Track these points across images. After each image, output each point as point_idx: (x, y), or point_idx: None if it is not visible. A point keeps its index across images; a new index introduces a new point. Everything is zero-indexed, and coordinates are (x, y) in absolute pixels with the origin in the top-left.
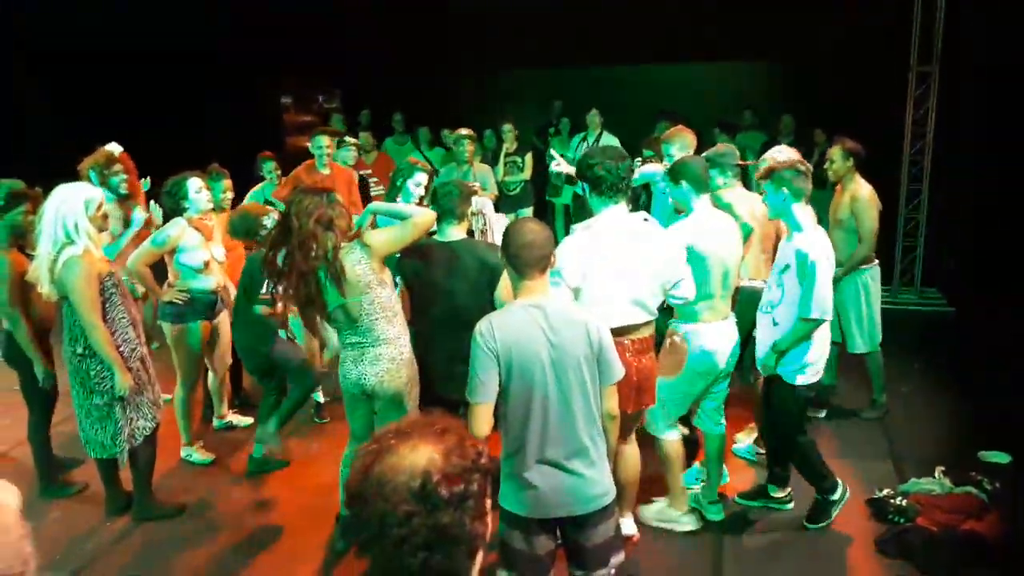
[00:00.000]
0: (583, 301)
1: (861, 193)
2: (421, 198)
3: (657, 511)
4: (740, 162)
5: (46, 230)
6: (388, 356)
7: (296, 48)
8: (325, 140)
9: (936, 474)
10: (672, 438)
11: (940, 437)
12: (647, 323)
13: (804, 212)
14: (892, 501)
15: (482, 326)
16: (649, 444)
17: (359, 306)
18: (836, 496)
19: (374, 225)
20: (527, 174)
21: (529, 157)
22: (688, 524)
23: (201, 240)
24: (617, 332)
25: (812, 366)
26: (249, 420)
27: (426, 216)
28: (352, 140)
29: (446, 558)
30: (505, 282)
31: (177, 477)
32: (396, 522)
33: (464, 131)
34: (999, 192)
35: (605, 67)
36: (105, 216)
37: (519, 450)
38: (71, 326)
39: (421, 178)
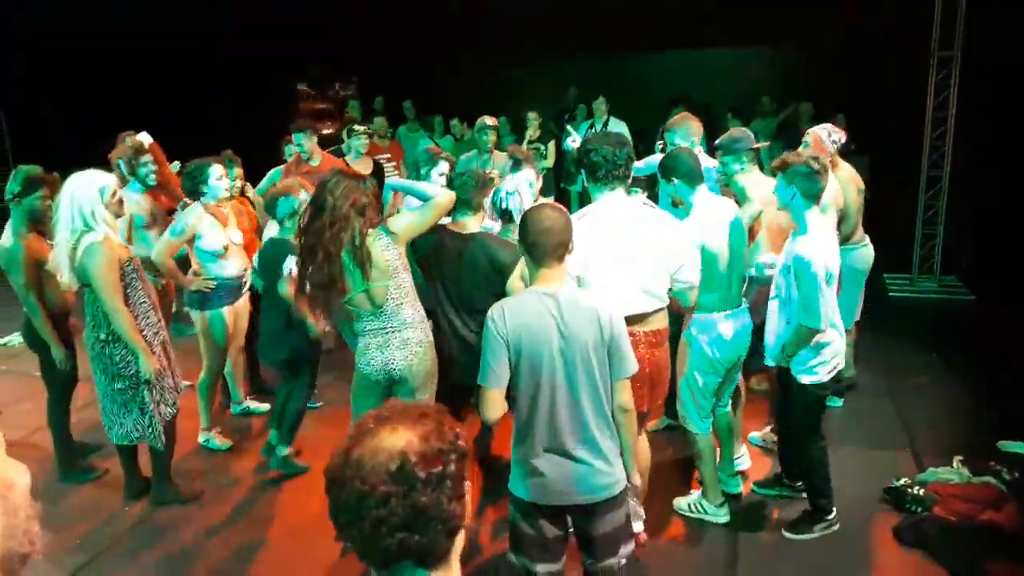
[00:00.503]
0: (586, 289)
1: (840, 174)
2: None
3: (691, 502)
4: (754, 145)
5: (63, 219)
6: (416, 340)
7: (297, 47)
8: (302, 137)
9: (954, 463)
10: (707, 432)
11: (959, 426)
12: (658, 313)
13: (815, 215)
14: (910, 490)
15: (494, 312)
16: (681, 437)
17: (386, 291)
18: (827, 518)
19: (398, 204)
20: (550, 162)
21: (552, 145)
22: (721, 516)
23: (218, 225)
24: (629, 321)
25: (824, 366)
26: (266, 406)
27: (447, 196)
28: (362, 128)
29: (424, 538)
30: (516, 277)
31: (194, 462)
32: (374, 503)
33: (488, 120)
34: (1019, 180)
35: (619, 54)
36: (120, 202)
37: (527, 436)
38: (94, 312)
39: (444, 167)
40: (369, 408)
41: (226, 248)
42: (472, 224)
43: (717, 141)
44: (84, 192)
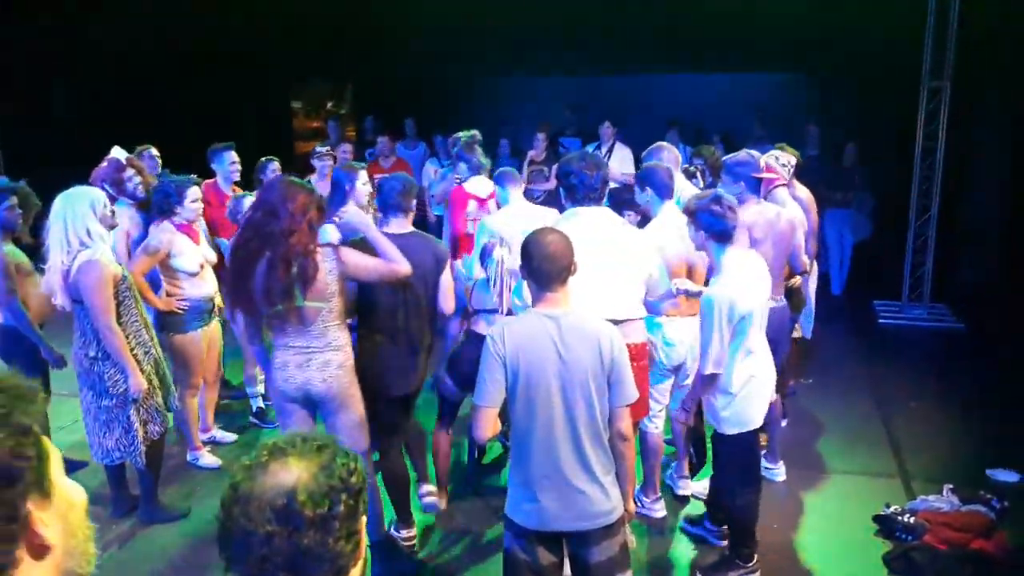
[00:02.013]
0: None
1: (797, 194)
2: (371, 195)
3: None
4: (760, 174)
5: (55, 240)
6: (337, 363)
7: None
8: (228, 158)
9: (944, 491)
10: (656, 431)
11: (948, 454)
12: (635, 323)
13: (733, 254)
14: (900, 518)
15: (494, 331)
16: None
17: (318, 312)
18: (746, 566)
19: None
20: (552, 184)
21: (556, 167)
22: (657, 512)
23: (191, 243)
24: None
25: (740, 417)
26: (233, 437)
27: (403, 269)
28: (324, 150)
29: None
30: (448, 273)
31: (181, 480)
32: (258, 542)
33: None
34: (1012, 208)
35: (619, 76)
36: (113, 214)
37: (524, 461)
38: (84, 329)
39: (363, 175)
40: (296, 425)
41: (201, 267)
42: (404, 226)
43: (724, 158)
44: (76, 210)
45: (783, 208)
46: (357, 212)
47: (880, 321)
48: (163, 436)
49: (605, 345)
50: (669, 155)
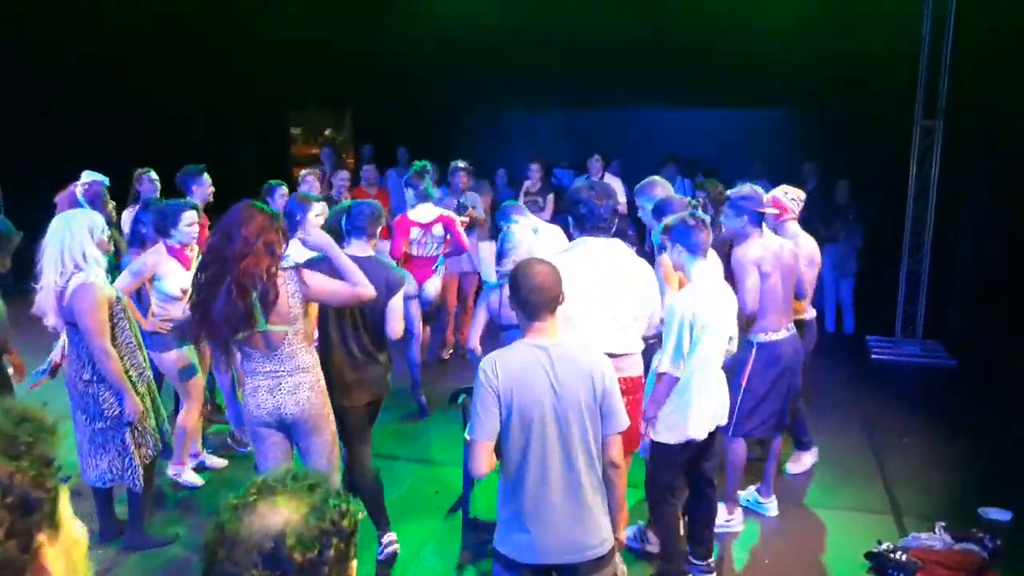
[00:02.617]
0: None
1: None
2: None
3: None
4: (763, 208)
5: (50, 261)
6: (308, 384)
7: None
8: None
9: (936, 529)
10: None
11: (941, 491)
12: (633, 358)
13: (700, 266)
14: (892, 556)
15: (486, 364)
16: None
17: (284, 335)
18: None
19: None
20: (546, 214)
21: (551, 198)
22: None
23: (179, 267)
24: None
25: (668, 422)
26: (223, 462)
27: (366, 292)
28: (306, 173)
29: None
30: (399, 297)
31: (169, 503)
32: None
33: (460, 163)
34: (1002, 247)
35: (616, 110)
36: (110, 238)
37: (517, 493)
38: (79, 352)
39: (318, 207)
40: (271, 449)
41: (184, 291)
42: (367, 249)
43: (729, 191)
44: (74, 233)
45: (786, 240)
46: (320, 234)
47: (873, 357)
48: (154, 461)
49: (597, 376)
50: (662, 190)
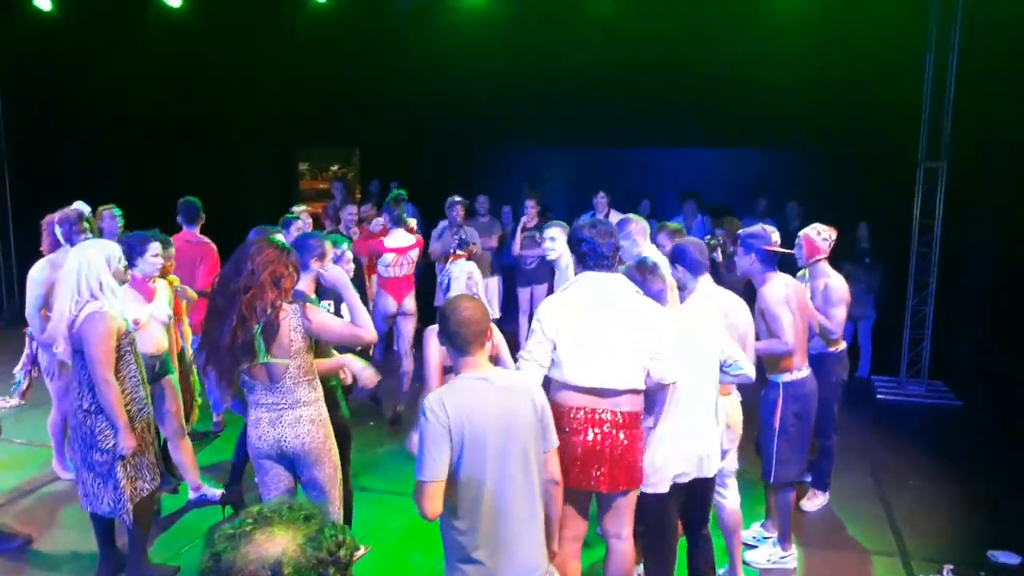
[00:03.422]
0: (561, 356)
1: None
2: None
3: None
4: (772, 247)
5: (67, 289)
6: (309, 418)
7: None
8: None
9: (945, 572)
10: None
11: (948, 533)
12: (630, 395)
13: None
14: None
15: (432, 402)
16: None
17: (285, 368)
18: None
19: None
20: (543, 250)
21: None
22: None
23: (137, 298)
24: (601, 394)
25: (657, 471)
26: (219, 491)
27: (368, 335)
28: (300, 209)
29: None
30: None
31: (172, 534)
32: None
33: (456, 197)
34: (1009, 286)
35: (617, 149)
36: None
37: (472, 528)
38: (81, 381)
39: (299, 224)
40: (273, 480)
41: (136, 323)
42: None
43: (739, 231)
44: (92, 263)
45: (796, 281)
46: (337, 271)
47: (878, 397)
48: (152, 494)
49: (536, 395)
50: (636, 226)
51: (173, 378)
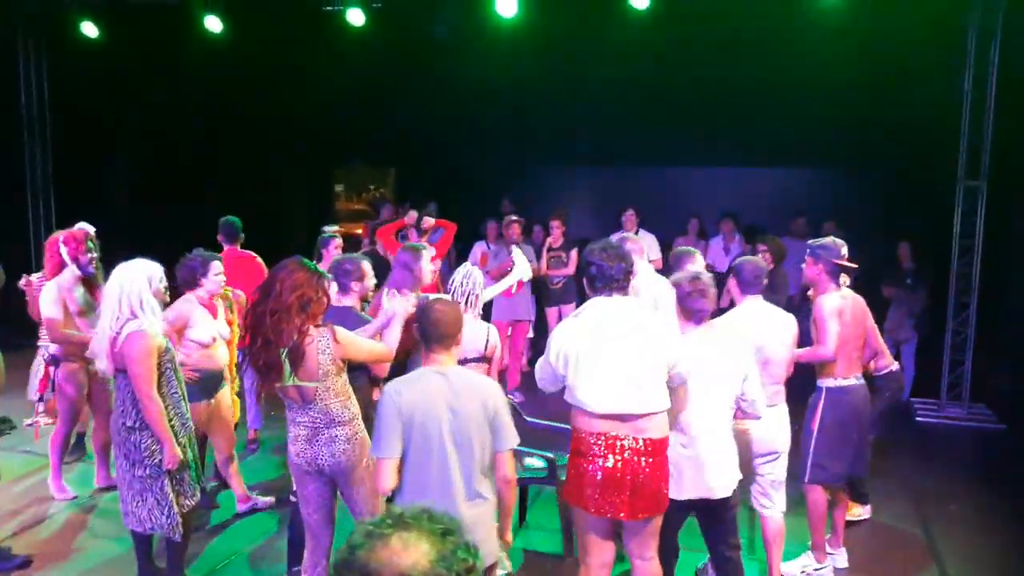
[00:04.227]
0: (572, 382)
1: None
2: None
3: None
4: (839, 261)
5: (109, 307)
6: (344, 437)
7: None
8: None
9: None
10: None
11: (992, 560)
12: (653, 420)
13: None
14: None
15: (391, 387)
16: None
17: (314, 390)
18: None
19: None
20: (570, 269)
21: (574, 253)
22: None
23: (208, 316)
24: (615, 419)
25: (676, 480)
26: (270, 499)
27: (388, 352)
28: (332, 229)
29: None
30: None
31: (210, 550)
32: None
33: (512, 216)
34: None
35: (651, 168)
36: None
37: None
38: (124, 399)
39: (337, 241)
40: (313, 495)
41: (214, 339)
42: (343, 300)
43: (809, 241)
44: (134, 282)
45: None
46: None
47: (918, 419)
48: (192, 510)
49: (489, 398)
50: (633, 245)
51: (228, 390)
